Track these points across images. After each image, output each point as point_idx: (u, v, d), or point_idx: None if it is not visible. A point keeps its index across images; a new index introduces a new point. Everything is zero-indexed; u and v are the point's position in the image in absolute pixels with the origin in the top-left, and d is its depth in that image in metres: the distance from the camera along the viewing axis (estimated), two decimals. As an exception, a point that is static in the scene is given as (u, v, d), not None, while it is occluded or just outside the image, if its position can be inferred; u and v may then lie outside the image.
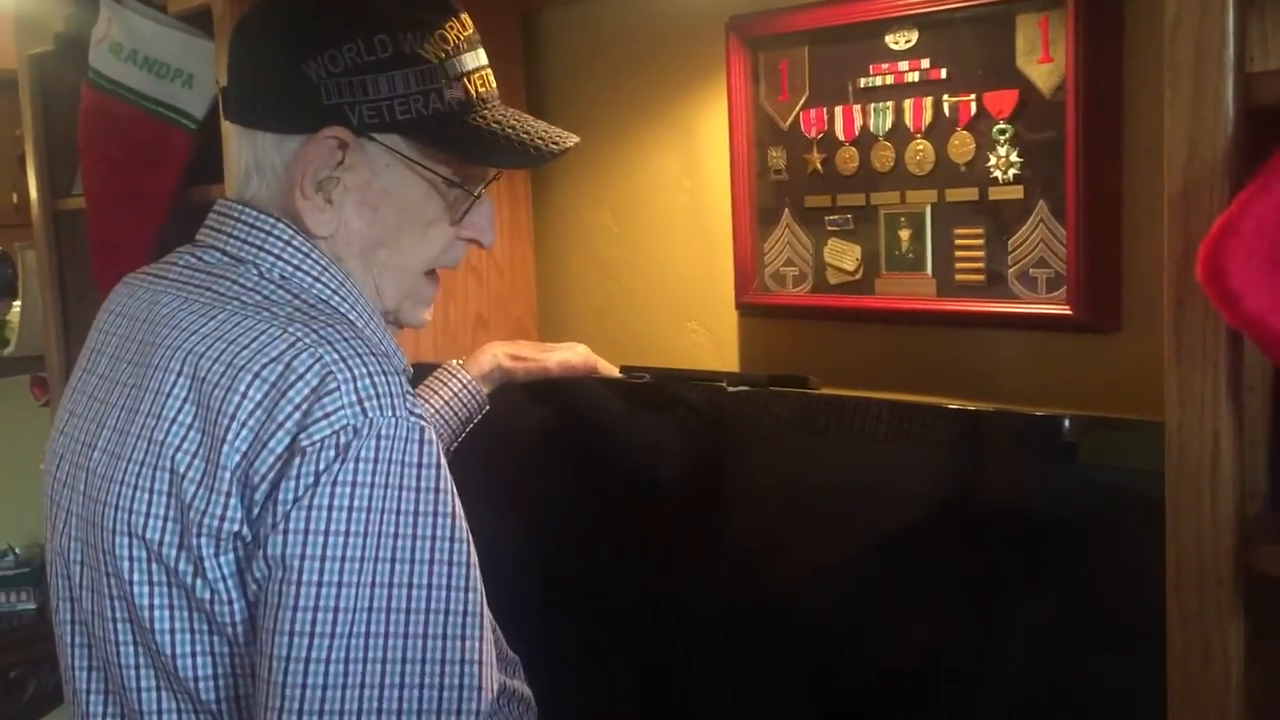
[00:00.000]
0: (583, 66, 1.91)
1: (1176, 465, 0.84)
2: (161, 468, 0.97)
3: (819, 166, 1.57)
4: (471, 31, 1.10)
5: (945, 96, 1.44)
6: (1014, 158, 1.39)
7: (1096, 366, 1.36)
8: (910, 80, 1.46)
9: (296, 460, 0.91)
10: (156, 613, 0.98)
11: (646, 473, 1.50)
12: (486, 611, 0.98)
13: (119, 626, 1.01)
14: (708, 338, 1.78)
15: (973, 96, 1.41)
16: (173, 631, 0.98)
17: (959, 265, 1.46)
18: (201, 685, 0.99)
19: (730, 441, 1.40)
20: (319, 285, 1.06)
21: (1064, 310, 1.35)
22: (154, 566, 0.98)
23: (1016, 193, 1.39)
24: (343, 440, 0.91)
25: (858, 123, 1.52)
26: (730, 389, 1.36)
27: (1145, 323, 1.32)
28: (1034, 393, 1.40)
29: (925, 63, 1.45)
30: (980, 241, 1.43)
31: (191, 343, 0.99)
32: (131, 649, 1.01)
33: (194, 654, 0.99)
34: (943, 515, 1.21)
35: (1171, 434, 0.84)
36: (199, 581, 0.96)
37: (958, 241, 1.45)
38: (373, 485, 0.92)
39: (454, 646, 0.94)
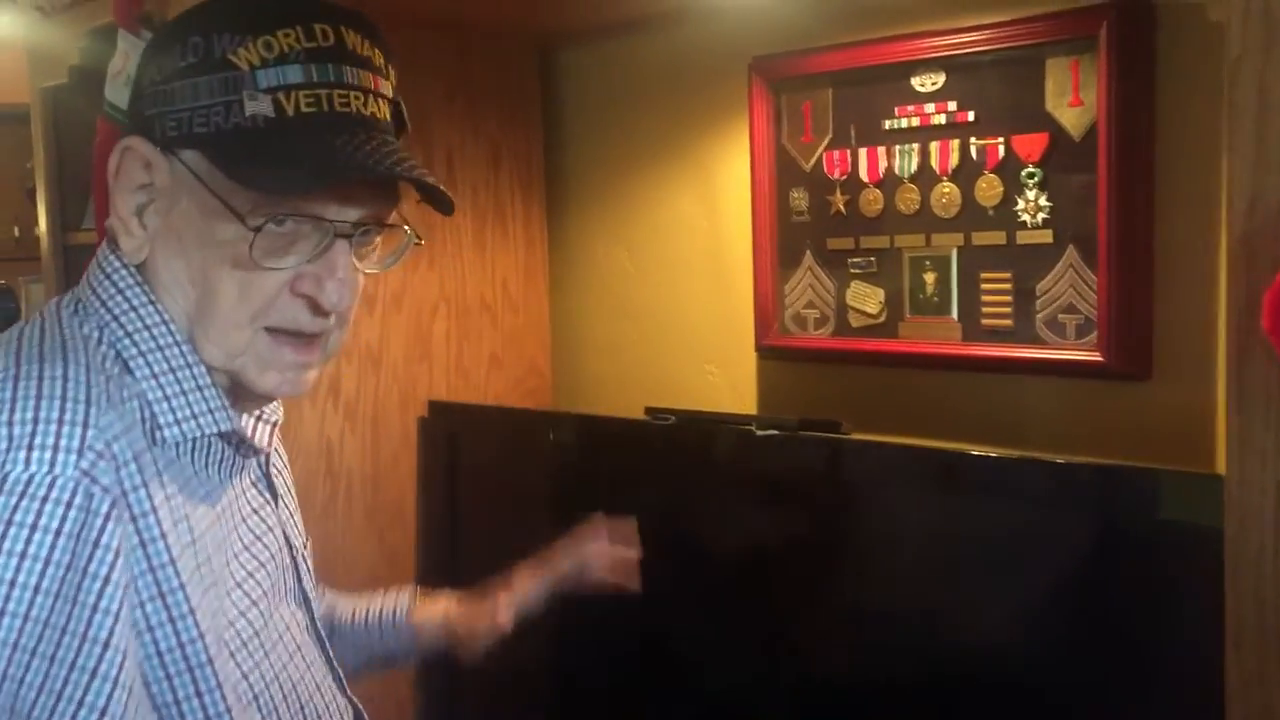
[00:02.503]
0: (601, 105, 1.90)
1: (1237, 520, 0.81)
2: None
3: (842, 208, 1.55)
4: (330, 44, 0.90)
5: (972, 139, 1.42)
6: (1043, 201, 1.37)
7: (1126, 414, 1.34)
8: (937, 122, 1.45)
9: None
10: None
11: (671, 515, 1.47)
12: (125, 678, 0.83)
13: None
14: (724, 380, 1.75)
15: (1001, 139, 1.40)
16: None
17: (985, 310, 1.44)
18: None
19: (758, 485, 1.37)
20: (113, 325, 0.92)
21: (1094, 357, 1.33)
22: None
23: (1045, 237, 1.37)
24: None
25: (882, 164, 1.51)
26: (759, 432, 1.33)
27: (1176, 370, 1.30)
28: (1063, 440, 1.38)
29: (952, 105, 1.44)
30: (1008, 286, 1.41)
31: None
32: None
33: None
34: (984, 567, 1.19)
35: (1231, 487, 0.81)
36: None
37: (984, 285, 1.44)
38: None
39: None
